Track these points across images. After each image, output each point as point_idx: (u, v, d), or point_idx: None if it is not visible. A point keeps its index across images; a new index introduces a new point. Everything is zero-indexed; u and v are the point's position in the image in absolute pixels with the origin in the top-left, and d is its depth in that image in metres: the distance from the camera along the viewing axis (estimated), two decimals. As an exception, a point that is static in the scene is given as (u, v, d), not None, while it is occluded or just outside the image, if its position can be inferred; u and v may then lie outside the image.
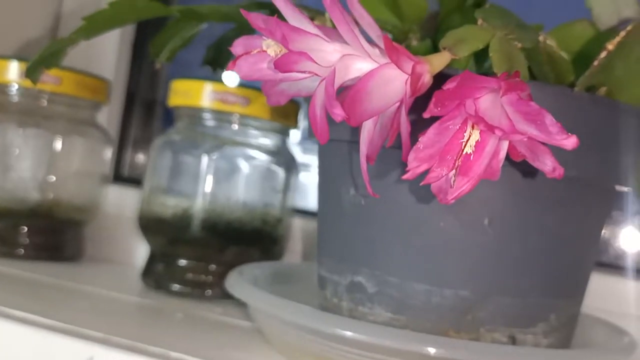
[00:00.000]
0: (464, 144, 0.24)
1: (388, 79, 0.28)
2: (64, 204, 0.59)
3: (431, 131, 0.25)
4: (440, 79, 0.28)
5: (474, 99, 0.24)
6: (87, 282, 0.52)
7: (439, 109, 0.24)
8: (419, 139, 0.26)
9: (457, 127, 0.24)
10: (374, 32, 0.29)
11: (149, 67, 0.72)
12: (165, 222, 0.51)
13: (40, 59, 0.40)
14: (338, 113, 0.26)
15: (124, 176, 0.72)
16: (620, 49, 0.31)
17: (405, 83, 0.28)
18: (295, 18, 0.29)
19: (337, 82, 0.27)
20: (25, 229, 0.57)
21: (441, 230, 0.33)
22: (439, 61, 0.29)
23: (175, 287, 0.50)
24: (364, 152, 0.30)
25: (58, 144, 0.58)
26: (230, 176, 0.51)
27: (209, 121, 0.52)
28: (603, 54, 0.31)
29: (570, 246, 0.35)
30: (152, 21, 0.41)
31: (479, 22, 0.31)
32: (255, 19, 0.28)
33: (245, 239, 0.51)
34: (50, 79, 0.55)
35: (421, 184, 0.27)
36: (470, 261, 0.33)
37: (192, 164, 0.51)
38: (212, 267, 0.50)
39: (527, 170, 0.32)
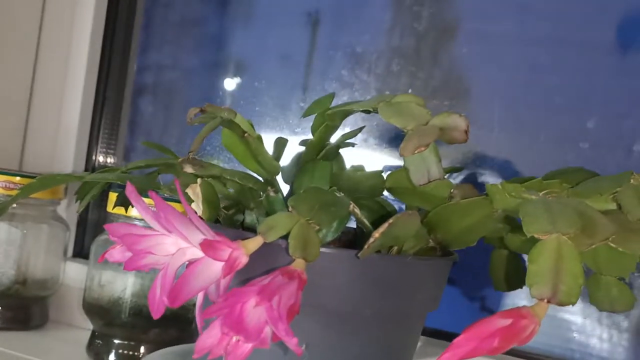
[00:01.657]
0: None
1: (208, 266, 0.39)
2: (30, 284, 0.71)
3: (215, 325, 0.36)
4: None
5: (237, 308, 0.35)
6: (39, 353, 0.64)
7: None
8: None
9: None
10: (203, 231, 0.40)
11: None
12: (102, 308, 0.63)
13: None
14: (164, 300, 0.37)
15: (84, 253, 0.84)
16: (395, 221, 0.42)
17: (223, 267, 0.39)
18: (148, 216, 0.40)
19: (173, 270, 0.39)
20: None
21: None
22: (253, 244, 0.40)
23: (112, 360, 0.62)
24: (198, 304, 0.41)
25: (26, 236, 0.71)
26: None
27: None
28: (386, 225, 0.41)
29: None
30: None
31: (290, 208, 0.42)
32: (115, 231, 0.39)
33: (164, 321, 0.62)
34: (16, 187, 0.68)
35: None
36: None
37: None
38: (141, 345, 0.62)
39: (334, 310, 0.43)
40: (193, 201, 0.47)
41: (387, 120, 0.46)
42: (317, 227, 0.41)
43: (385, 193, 0.53)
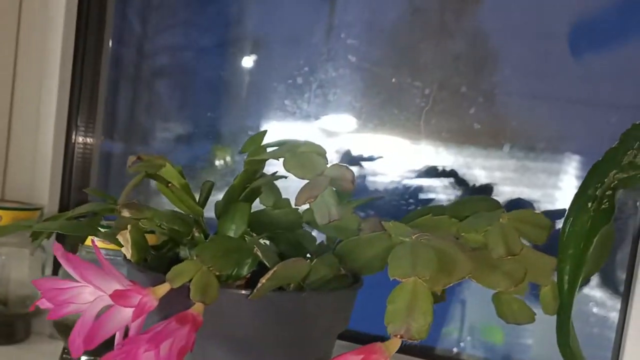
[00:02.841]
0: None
1: (120, 311, 0.46)
2: (11, 303, 0.80)
3: None
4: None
5: (132, 353, 0.42)
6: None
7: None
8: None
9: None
10: (117, 281, 0.47)
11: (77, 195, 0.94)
12: (68, 326, 0.70)
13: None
14: (79, 345, 0.44)
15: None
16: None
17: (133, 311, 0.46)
18: (70, 270, 0.47)
19: (90, 317, 0.46)
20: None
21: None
22: (161, 290, 0.47)
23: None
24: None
25: (6, 261, 0.79)
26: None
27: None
28: (270, 273, 0.48)
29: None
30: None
31: (195, 257, 0.49)
32: (40, 285, 0.46)
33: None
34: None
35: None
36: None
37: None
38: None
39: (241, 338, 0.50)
40: (123, 245, 0.54)
41: (288, 171, 0.53)
42: (218, 273, 0.48)
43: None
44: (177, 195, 0.56)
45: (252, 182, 0.57)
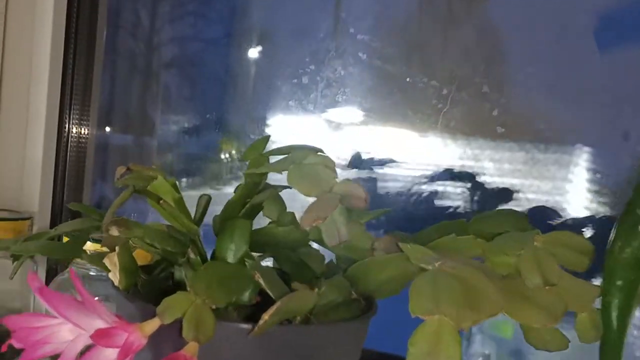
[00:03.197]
0: None
1: (103, 352, 0.40)
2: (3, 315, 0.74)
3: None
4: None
5: None
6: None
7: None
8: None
9: None
10: (100, 316, 0.41)
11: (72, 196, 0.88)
12: None
13: None
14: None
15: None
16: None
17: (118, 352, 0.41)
18: (46, 303, 0.41)
19: (70, 358, 0.40)
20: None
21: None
22: (150, 327, 0.42)
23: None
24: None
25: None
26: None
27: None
28: (274, 308, 0.42)
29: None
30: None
31: (188, 287, 0.43)
32: (12, 323, 0.40)
33: None
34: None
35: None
36: None
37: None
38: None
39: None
40: (110, 271, 0.49)
41: (292, 186, 0.47)
42: (214, 306, 0.42)
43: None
44: (169, 212, 0.50)
45: (252, 196, 0.52)
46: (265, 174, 0.52)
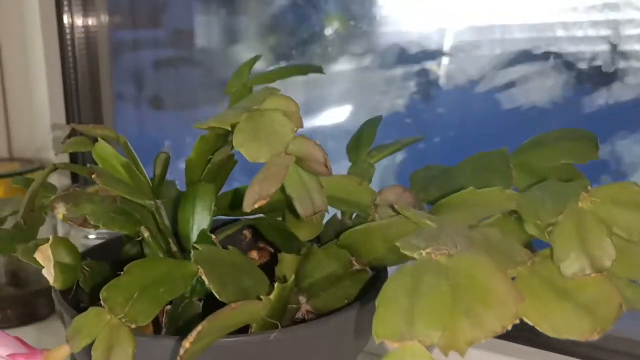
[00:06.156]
0: None
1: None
2: (23, 283, 0.70)
3: None
4: None
5: None
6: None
7: None
8: None
9: None
10: (8, 345, 0.33)
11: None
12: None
13: None
14: None
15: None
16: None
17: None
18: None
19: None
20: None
21: None
22: (58, 355, 0.33)
23: None
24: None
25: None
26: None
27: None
28: (195, 334, 0.32)
29: None
30: None
31: (102, 302, 0.33)
32: None
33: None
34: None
35: None
36: None
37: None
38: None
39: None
40: (44, 267, 0.40)
41: (237, 148, 0.35)
42: (134, 326, 0.32)
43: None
44: (109, 184, 0.39)
45: (210, 156, 0.40)
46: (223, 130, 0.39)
